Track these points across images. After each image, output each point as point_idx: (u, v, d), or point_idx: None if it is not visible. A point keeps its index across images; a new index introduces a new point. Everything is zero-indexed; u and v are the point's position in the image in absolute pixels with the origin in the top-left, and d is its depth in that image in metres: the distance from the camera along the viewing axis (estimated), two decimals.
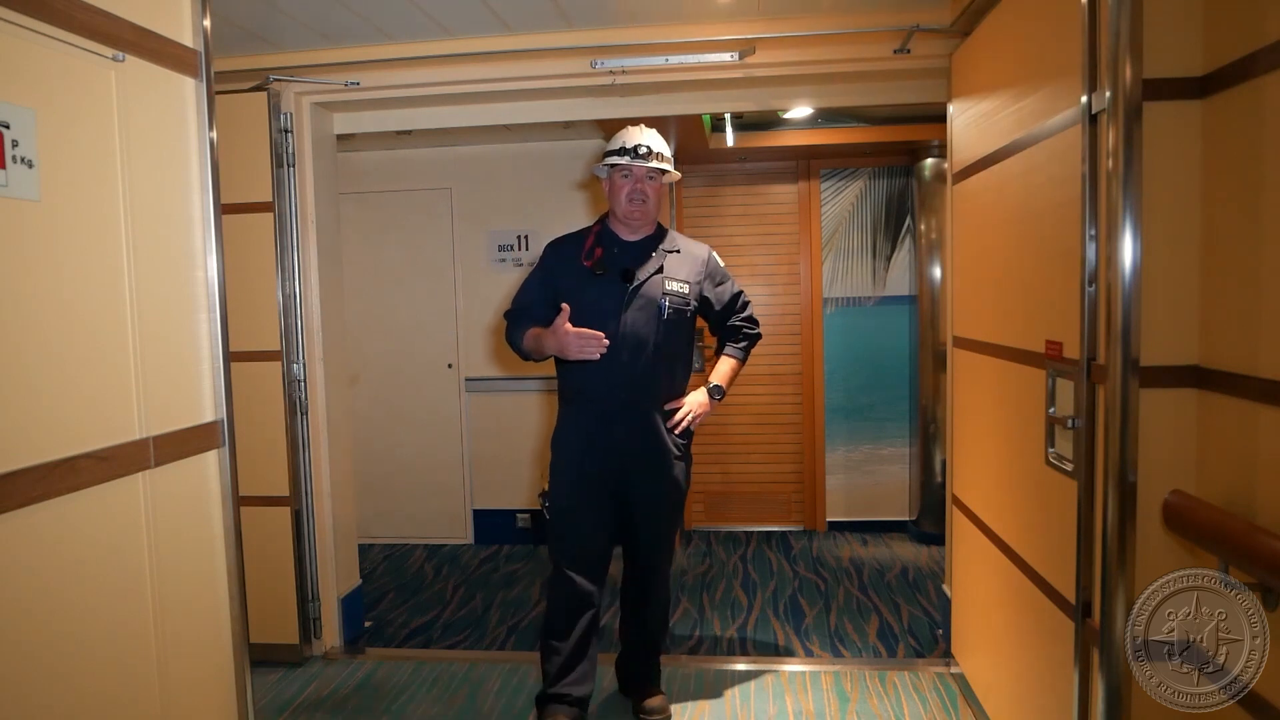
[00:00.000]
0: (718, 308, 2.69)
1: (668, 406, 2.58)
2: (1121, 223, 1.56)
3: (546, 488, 2.63)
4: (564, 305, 2.40)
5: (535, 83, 3.15)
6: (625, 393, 2.50)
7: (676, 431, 2.57)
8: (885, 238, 4.81)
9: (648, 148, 2.50)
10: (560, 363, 2.56)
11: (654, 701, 2.70)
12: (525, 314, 2.58)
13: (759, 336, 2.80)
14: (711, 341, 4.81)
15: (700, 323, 2.74)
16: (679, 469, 2.61)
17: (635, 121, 2.65)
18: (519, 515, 4.74)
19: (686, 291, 2.57)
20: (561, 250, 2.62)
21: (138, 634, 1.66)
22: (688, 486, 2.68)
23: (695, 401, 2.61)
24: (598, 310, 2.47)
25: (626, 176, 2.52)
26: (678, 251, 2.61)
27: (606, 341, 2.38)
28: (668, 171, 2.53)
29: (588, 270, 2.52)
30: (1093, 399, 1.75)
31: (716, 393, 2.66)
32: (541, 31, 3.03)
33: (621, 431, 2.51)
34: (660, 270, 2.55)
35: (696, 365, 4.91)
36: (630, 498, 2.57)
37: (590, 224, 2.67)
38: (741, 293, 2.75)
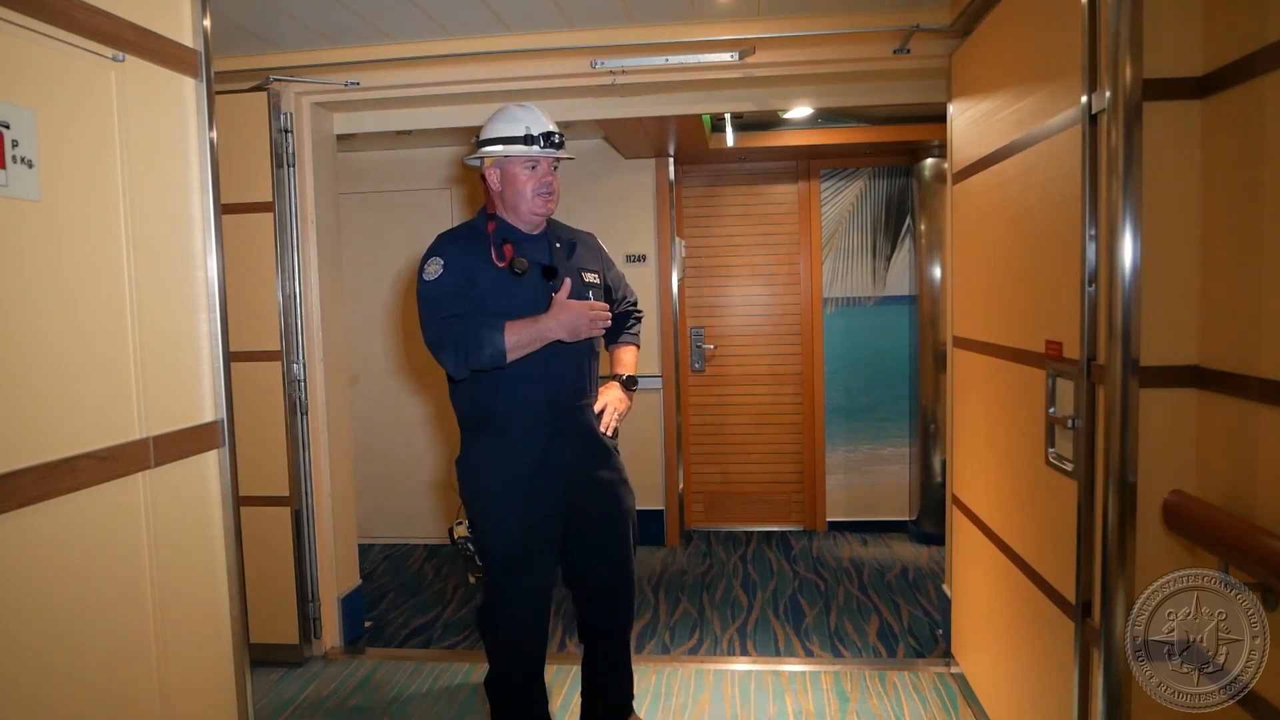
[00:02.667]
0: (615, 295, 2.44)
1: (595, 408, 2.29)
2: (1121, 223, 1.56)
3: (466, 532, 2.21)
4: (566, 280, 2.14)
5: (535, 83, 3.15)
6: (568, 404, 2.19)
7: (608, 434, 2.28)
8: (885, 238, 4.81)
9: (560, 135, 2.14)
10: (478, 384, 2.14)
11: None
12: (473, 315, 2.09)
13: (642, 315, 2.57)
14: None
15: None
16: (624, 474, 2.34)
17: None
18: None
19: (599, 282, 2.31)
20: (466, 249, 2.16)
21: (138, 634, 1.66)
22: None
23: (615, 398, 2.32)
24: (522, 312, 2.10)
25: (532, 168, 2.13)
26: (574, 241, 2.32)
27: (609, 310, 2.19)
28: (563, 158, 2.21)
29: (504, 272, 2.13)
30: (1093, 399, 1.75)
31: (632, 383, 2.40)
32: (541, 31, 3.03)
33: (572, 450, 2.19)
34: (569, 261, 2.25)
35: (697, 366, 4.93)
36: (584, 522, 2.23)
37: (471, 219, 2.31)
38: (623, 275, 2.52)
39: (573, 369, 2.20)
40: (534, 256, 2.19)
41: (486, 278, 2.13)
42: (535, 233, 2.24)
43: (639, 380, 2.46)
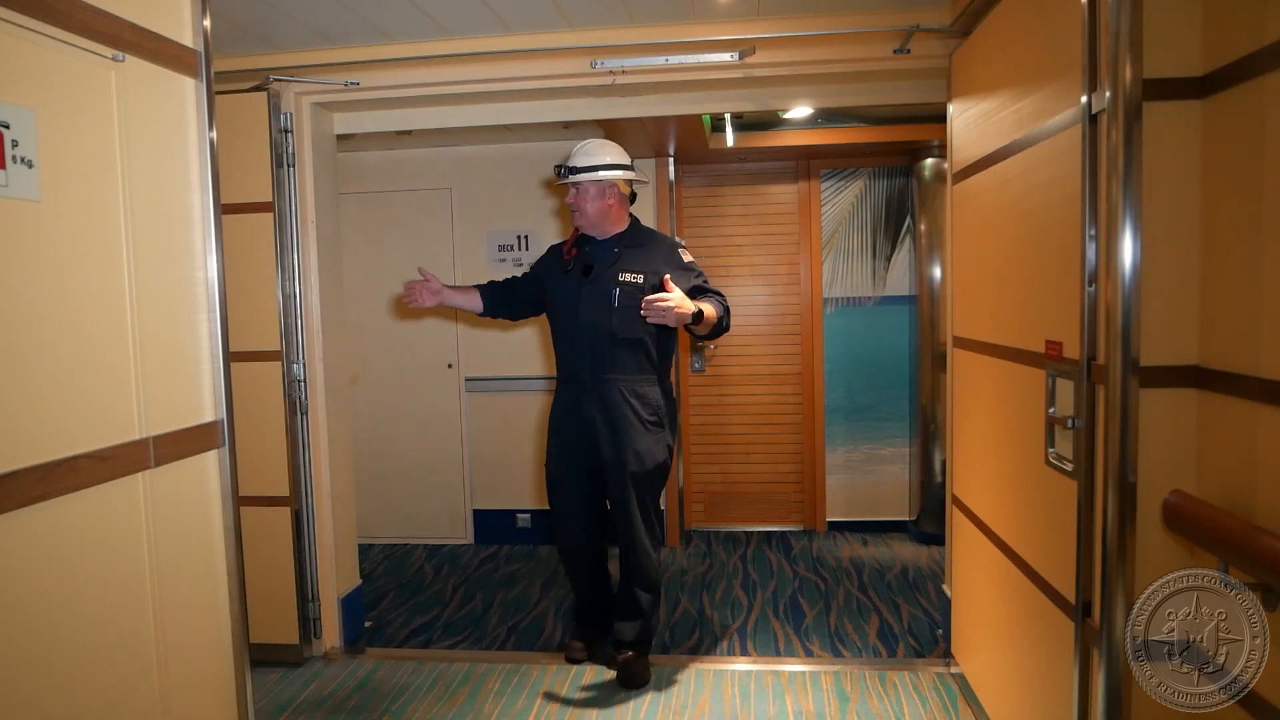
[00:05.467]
0: (680, 289, 2.75)
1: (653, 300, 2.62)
2: (1121, 223, 1.57)
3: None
4: (420, 268, 3.02)
5: (535, 83, 3.15)
6: (590, 373, 2.88)
7: (647, 313, 2.63)
8: (885, 238, 4.81)
9: (565, 168, 2.89)
10: (554, 348, 3.04)
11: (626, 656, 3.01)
12: (500, 283, 3.14)
13: (728, 309, 2.89)
14: (713, 342, 4.84)
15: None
16: (646, 439, 2.89)
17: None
18: (519, 515, 4.74)
19: (640, 281, 2.84)
20: (553, 251, 3.11)
21: (138, 634, 1.66)
22: (667, 458, 2.94)
23: (679, 298, 2.64)
24: (563, 302, 2.92)
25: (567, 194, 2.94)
26: (640, 246, 2.93)
27: (417, 286, 2.96)
28: (598, 180, 2.85)
29: (562, 267, 2.98)
30: (1093, 399, 1.75)
31: (699, 314, 2.70)
32: (541, 31, 3.02)
33: (590, 407, 2.89)
34: (616, 264, 2.88)
35: (697, 365, 4.93)
36: (602, 467, 2.93)
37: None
38: (707, 282, 2.93)
39: (594, 346, 2.88)
40: (593, 258, 2.93)
41: (552, 271, 3.03)
42: (606, 238, 2.95)
43: (702, 317, 2.72)
